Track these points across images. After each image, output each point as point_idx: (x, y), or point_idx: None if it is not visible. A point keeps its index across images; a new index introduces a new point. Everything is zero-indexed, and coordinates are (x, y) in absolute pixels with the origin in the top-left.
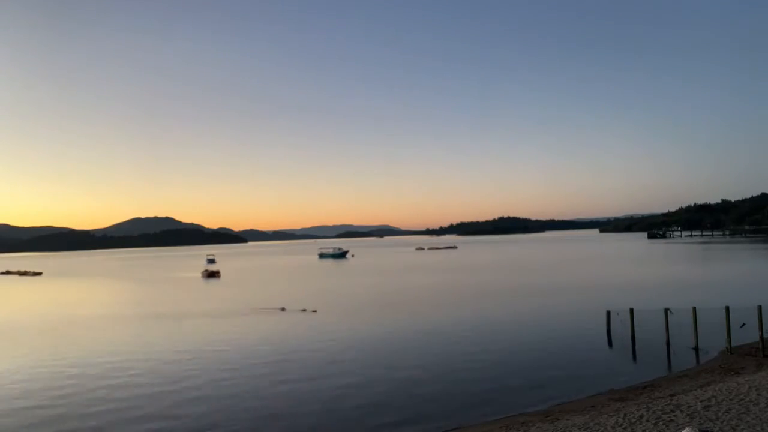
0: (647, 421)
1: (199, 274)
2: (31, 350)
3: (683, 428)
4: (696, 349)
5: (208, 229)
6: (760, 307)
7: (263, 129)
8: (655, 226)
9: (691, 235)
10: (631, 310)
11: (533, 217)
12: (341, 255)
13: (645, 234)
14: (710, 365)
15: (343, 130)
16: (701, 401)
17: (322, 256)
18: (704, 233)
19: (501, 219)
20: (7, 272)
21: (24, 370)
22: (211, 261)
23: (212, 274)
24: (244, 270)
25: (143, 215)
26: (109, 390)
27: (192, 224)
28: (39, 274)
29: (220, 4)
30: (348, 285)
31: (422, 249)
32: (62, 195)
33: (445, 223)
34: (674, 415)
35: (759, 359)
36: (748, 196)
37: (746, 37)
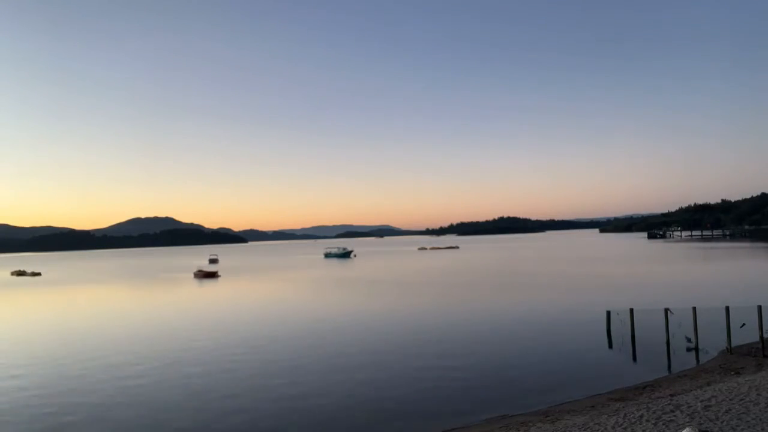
0: (647, 421)
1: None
2: (28, 352)
3: (683, 428)
4: (696, 349)
5: (208, 229)
6: (760, 307)
7: (263, 129)
8: (655, 226)
9: (691, 235)
10: (631, 310)
11: (533, 217)
12: (346, 255)
13: (645, 234)
14: (710, 365)
15: (344, 131)
16: (701, 401)
17: (327, 255)
18: (704, 233)
19: (501, 219)
20: (17, 272)
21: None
22: (213, 261)
23: (208, 275)
24: (256, 271)
25: (143, 215)
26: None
27: (192, 224)
28: (38, 274)
29: (220, 4)
30: (350, 285)
31: (425, 249)
32: (62, 195)
33: (445, 223)
34: (674, 415)
35: (759, 359)
36: (748, 196)
37: (747, 36)
